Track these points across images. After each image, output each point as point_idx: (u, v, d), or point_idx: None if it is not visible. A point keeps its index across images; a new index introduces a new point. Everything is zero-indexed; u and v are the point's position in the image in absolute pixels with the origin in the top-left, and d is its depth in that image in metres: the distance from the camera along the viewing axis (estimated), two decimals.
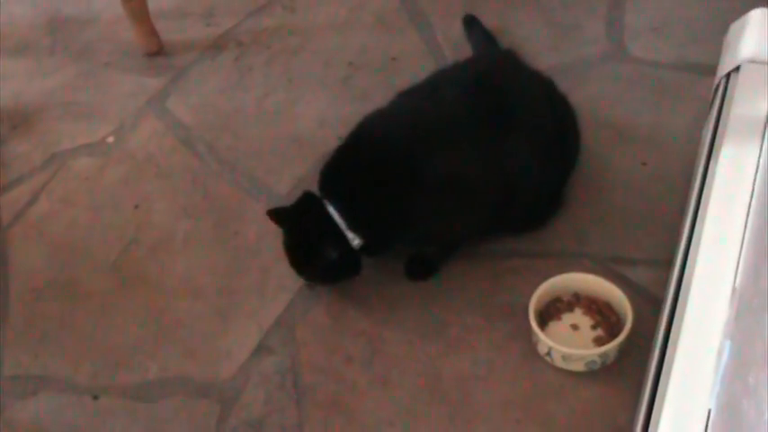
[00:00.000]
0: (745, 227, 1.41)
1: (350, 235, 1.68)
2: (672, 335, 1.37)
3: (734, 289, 1.32)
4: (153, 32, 2.21)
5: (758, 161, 1.51)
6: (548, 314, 1.69)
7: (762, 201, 1.34)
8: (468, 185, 1.70)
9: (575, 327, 1.68)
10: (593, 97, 2.02)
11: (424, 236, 1.75)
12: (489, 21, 2.14)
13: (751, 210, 1.42)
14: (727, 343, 1.16)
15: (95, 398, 1.69)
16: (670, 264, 1.60)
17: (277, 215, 1.73)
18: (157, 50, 2.23)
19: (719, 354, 1.22)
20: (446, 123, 1.71)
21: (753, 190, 1.47)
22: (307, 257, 1.72)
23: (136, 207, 1.95)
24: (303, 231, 1.71)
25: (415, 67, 2.04)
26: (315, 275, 1.75)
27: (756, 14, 1.76)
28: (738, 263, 1.37)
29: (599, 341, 1.65)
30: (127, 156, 2.05)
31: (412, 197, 1.67)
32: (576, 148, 1.87)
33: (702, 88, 1.96)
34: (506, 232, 1.82)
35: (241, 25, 2.30)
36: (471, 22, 2.13)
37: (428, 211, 1.69)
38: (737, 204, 1.46)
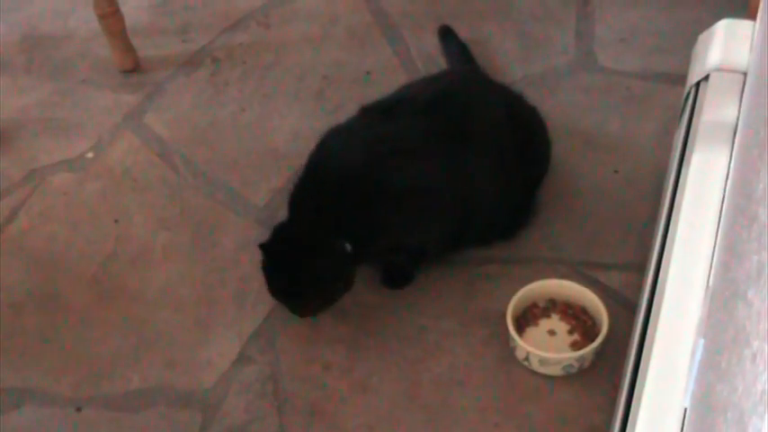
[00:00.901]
0: (717, 229, 1.44)
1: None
2: (647, 336, 1.40)
3: (707, 289, 1.35)
4: (130, 49, 2.23)
5: (728, 165, 1.54)
6: (524, 320, 1.72)
7: (732, 203, 1.37)
8: (430, 198, 1.74)
9: (551, 332, 1.71)
10: (564, 106, 2.06)
11: (394, 245, 1.77)
12: (460, 33, 2.17)
13: (723, 212, 1.45)
14: (701, 341, 1.19)
15: (78, 410, 1.70)
16: (643, 268, 1.64)
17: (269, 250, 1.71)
18: (134, 67, 2.24)
19: (693, 352, 1.25)
20: (407, 139, 1.75)
21: (723, 193, 1.51)
22: (314, 274, 1.68)
23: (115, 221, 1.96)
24: (300, 251, 1.68)
25: (389, 81, 2.06)
26: (321, 291, 1.71)
27: (723, 25, 1.80)
28: (711, 264, 1.41)
29: (576, 345, 1.68)
30: (105, 171, 2.06)
31: (378, 210, 1.70)
32: (545, 159, 1.91)
33: (670, 97, 2.01)
34: (477, 245, 1.85)
35: (216, 41, 2.31)
36: (446, 34, 2.17)
37: (394, 223, 1.72)
38: (709, 207, 1.49)
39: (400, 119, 1.76)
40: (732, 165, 1.53)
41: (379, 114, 1.79)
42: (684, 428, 1.24)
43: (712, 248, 1.44)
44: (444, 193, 1.74)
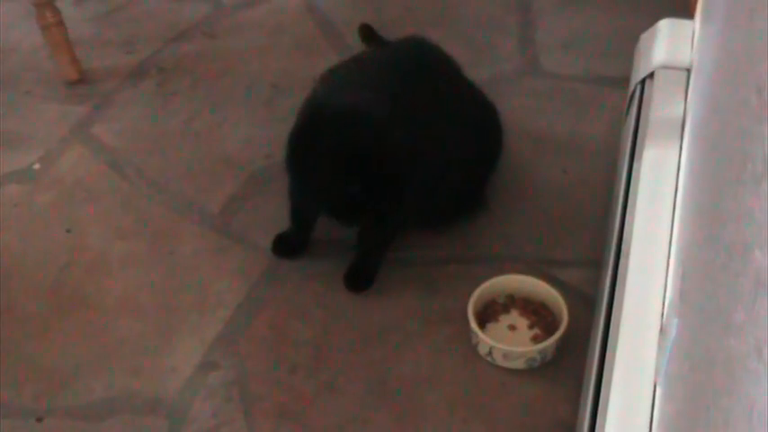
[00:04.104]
0: (673, 216, 1.49)
1: None
2: (612, 322, 1.44)
3: (676, 271, 1.39)
4: (73, 60, 2.21)
5: (679, 159, 1.59)
6: (485, 316, 1.75)
7: (687, 188, 1.42)
8: (423, 159, 1.72)
9: (512, 327, 1.74)
10: (511, 111, 2.09)
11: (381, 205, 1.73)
12: None
13: (677, 199, 1.50)
14: (675, 320, 1.23)
15: (39, 420, 1.67)
16: (597, 264, 1.68)
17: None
18: (78, 77, 2.22)
19: (666, 332, 1.29)
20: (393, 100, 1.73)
21: (677, 184, 1.55)
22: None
23: (68, 231, 1.94)
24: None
25: None
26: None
27: (665, 24, 1.86)
28: (669, 250, 1.45)
29: (537, 339, 1.71)
30: (55, 181, 2.04)
31: (372, 165, 1.67)
32: (499, 138, 1.94)
33: (612, 98, 2.07)
34: (431, 226, 1.88)
35: (162, 52, 2.31)
36: (368, 32, 2.22)
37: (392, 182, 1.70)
38: (664, 197, 1.54)
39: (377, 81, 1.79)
40: (683, 158, 1.57)
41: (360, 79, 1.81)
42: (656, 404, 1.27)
43: (669, 235, 1.48)
44: (428, 156, 1.72)
